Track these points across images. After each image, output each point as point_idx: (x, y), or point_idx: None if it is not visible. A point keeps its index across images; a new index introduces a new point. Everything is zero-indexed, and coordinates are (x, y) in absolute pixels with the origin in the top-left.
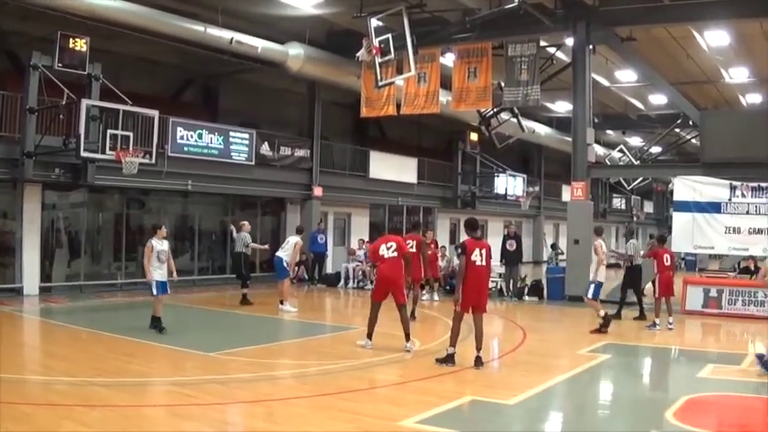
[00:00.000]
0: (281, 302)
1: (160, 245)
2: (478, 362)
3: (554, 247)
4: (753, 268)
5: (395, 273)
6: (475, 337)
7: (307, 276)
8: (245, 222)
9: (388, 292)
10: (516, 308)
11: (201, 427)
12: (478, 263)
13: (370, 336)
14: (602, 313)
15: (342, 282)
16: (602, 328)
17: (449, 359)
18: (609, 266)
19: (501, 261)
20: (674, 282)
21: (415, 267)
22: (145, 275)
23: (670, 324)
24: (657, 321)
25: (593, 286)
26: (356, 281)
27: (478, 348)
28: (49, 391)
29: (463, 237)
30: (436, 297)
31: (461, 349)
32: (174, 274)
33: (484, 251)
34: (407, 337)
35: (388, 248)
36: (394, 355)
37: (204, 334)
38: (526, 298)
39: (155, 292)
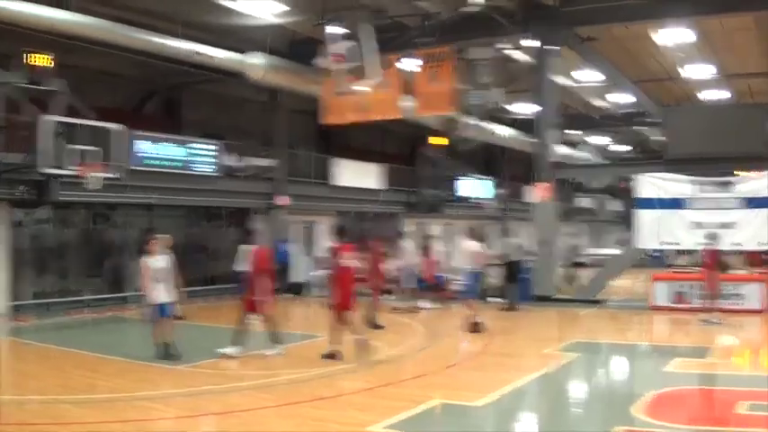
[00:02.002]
0: None
1: (155, 262)
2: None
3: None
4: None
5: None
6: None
7: None
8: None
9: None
10: (482, 309)
11: None
12: (350, 266)
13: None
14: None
15: (308, 290)
16: (477, 328)
17: (333, 356)
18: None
19: None
20: (715, 279)
21: (367, 274)
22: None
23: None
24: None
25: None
26: (322, 288)
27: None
28: (20, 410)
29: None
30: (429, 305)
31: (422, 355)
32: (179, 290)
33: (352, 254)
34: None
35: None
36: (360, 361)
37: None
38: (490, 299)
39: (163, 313)
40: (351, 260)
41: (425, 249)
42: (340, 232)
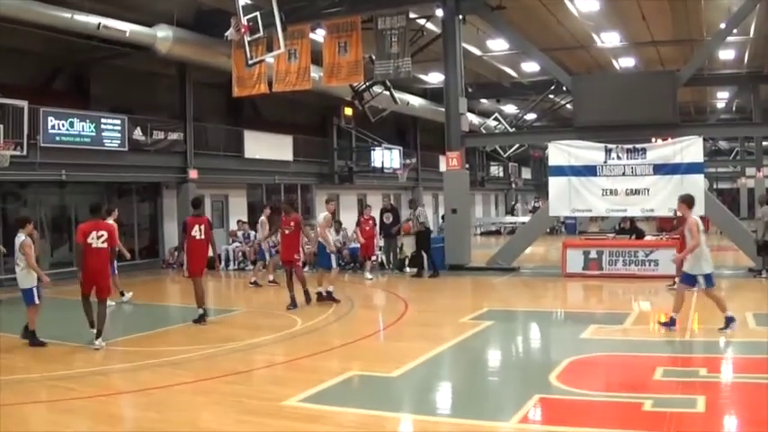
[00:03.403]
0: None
1: (32, 244)
2: (201, 319)
3: (444, 218)
4: (628, 227)
5: (103, 264)
6: (196, 298)
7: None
8: None
9: (95, 284)
10: (397, 280)
11: (84, 421)
12: (198, 237)
13: (99, 334)
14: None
15: (222, 264)
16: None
17: (202, 318)
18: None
19: (380, 234)
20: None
21: (291, 247)
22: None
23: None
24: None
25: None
26: (236, 262)
27: (200, 306)
28: None
29: (346, 213)
30: (369, 275)
31: (337, 327)
32: None
33: (202, 226)
34: (99, 334)
35: (98, 237)
36: (276, 335)
37: (84, 326)
38: (407, 269)
39: (36, 299)
40: (198, 232)
41: (365, 220)
42: (195, 205)
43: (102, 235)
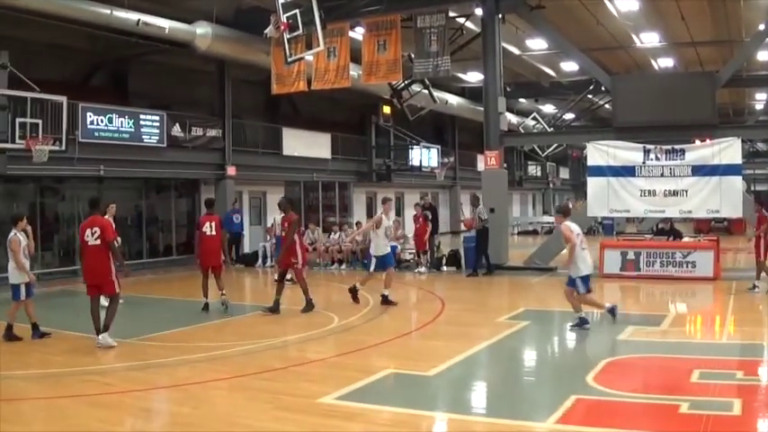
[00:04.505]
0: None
1: (24, 238)
2: (225, 305)
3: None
4: (668, 229)
5: (98, 262)
6: (218, 287)
7: (224, 257)
8: None
9: (96, 284)
10: (434, 278)
11: (120, 416)
12: (208, 233)
13: (106, 328)
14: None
15: (260, 261)
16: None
17: (205, 307)
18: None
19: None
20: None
21: (287, 250)
22: (17, 270)
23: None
24: (758, 284)
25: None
26: (273, 259)
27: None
28: None
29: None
30: (423, 269)
31: (373, 325)
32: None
33: (213, 223)
34: (106, 328)
35: (92, 234)
36: (313, 332)
37: (121, 320)
38: (444, 268)
39: (23, 295)
40: (209, 229)
41: (416, 217)
42: (208, 204)
43: (96, 231)
